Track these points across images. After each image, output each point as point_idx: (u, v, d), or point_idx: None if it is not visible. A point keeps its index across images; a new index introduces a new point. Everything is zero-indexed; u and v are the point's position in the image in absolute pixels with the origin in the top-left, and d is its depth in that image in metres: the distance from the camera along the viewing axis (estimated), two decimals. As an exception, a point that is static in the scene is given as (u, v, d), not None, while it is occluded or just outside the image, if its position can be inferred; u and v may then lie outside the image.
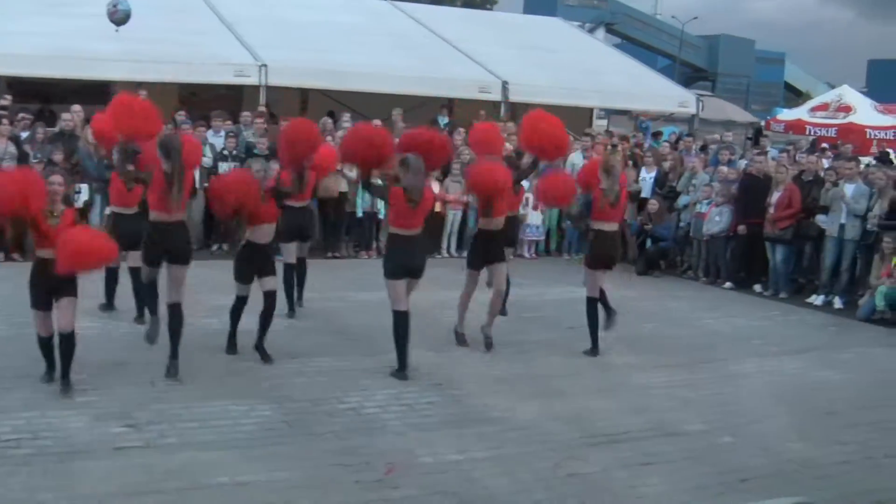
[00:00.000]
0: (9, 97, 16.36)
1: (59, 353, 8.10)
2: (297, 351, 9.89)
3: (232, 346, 9.73)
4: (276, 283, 9.63)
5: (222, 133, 16.09)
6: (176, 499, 6.19)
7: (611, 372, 9.84)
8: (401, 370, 9.18)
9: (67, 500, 6.07)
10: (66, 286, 7.94)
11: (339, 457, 7.03)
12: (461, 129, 17.53)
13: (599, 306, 10.49)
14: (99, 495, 6.15)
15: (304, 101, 21.59)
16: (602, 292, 10.49)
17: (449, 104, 21.07)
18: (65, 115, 15.27)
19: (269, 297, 9.48)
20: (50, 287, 7.92)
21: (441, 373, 9.42)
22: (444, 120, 20.27)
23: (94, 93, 18.70)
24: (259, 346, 9.53)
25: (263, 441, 7.31)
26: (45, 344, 8.22)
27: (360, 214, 16.05)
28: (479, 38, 22.99)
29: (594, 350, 10.43)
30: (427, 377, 9.24)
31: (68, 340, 8.03)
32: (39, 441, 6.98)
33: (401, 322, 9.18)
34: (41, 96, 19.46)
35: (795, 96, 61.93)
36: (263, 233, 9.40)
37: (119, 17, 15.85)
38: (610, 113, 26.44)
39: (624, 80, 22.76)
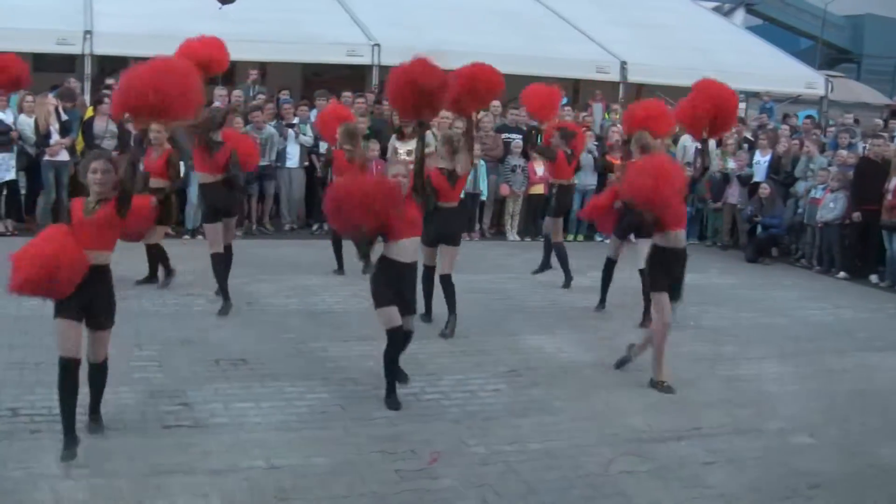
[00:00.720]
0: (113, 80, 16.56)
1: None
2: (371, 333, 9.68)
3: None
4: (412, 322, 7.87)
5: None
6: (204, 481, 6.04)
7: (696, 362, 9.33)
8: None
9: (92, 476, 5.99)
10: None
11: (384, 443, 6.80)
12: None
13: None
14: (127, 473, 6.05)
15: None
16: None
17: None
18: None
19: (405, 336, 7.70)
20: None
21: (514, 359, 9.11)
22: (563, 100, 19.75)
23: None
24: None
25: (311, 424, 7.13)
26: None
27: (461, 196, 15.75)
28: (595, 16, 22.46)
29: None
30: (500, 363, 8.94)
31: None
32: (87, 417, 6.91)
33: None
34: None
35: (947, 78, 59.08)
36: (405, 249, 7.54)
37: None
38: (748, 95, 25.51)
39: (748, 60, 21.89)
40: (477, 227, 16.10)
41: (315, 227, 15.72)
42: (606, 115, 18.71)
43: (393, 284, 7.44)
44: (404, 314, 7.52)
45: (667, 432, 7.40)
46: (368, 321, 10.04)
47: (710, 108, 8.82)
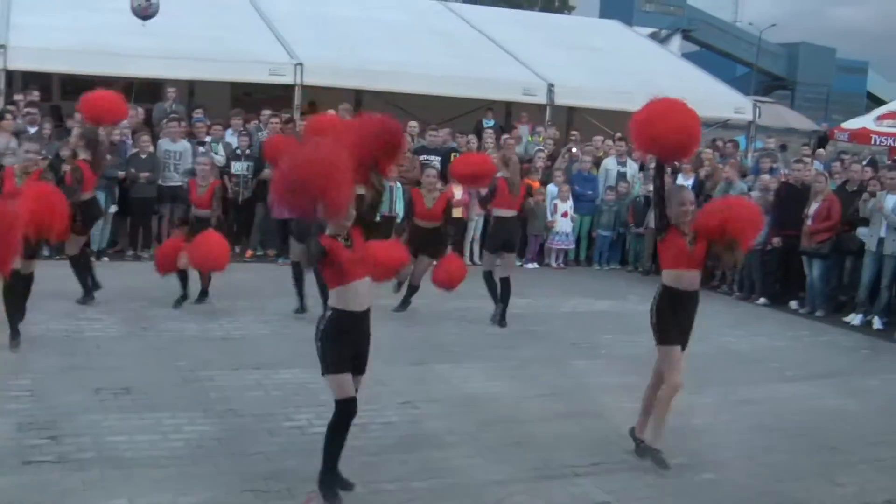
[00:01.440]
0: (36, 93, 16.03)
1: None
2: (265, 361, 9.31)
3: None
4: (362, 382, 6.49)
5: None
6: (54, 524, 5.62)
7: (600, 394, 9.02)
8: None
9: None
10: None
11: (259, 482, 6.39)
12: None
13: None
14: (-30, 516, 5.61)
15: (359, 101, 21.08)
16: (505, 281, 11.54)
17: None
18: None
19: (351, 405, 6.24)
20: None
21: (414, 389, 8.75)
22: (489, 122, 19.58)
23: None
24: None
25: (185, 459, 6.71)
26: None
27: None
28: (526, 39, 22.22)
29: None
30: (395, 395, 8.56)
31: None
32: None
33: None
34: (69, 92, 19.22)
35: (878, 106, 59.94)
36: (358, 295, 6.20)
37: (152, 12, 15.42)
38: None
39: (678, 84, 21.71)
40: (394, 249, 15.71)
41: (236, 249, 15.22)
42: (530, 138, 18.47)
43: (349, 344, 6.18)
44: (356, 375, 6.30)
45: (565, 468, 7.07)
46: (272, 346, 9.73)
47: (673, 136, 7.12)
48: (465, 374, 9.42)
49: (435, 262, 11.46)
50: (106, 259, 13.92)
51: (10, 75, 17.36)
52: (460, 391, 8.84)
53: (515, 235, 12.03)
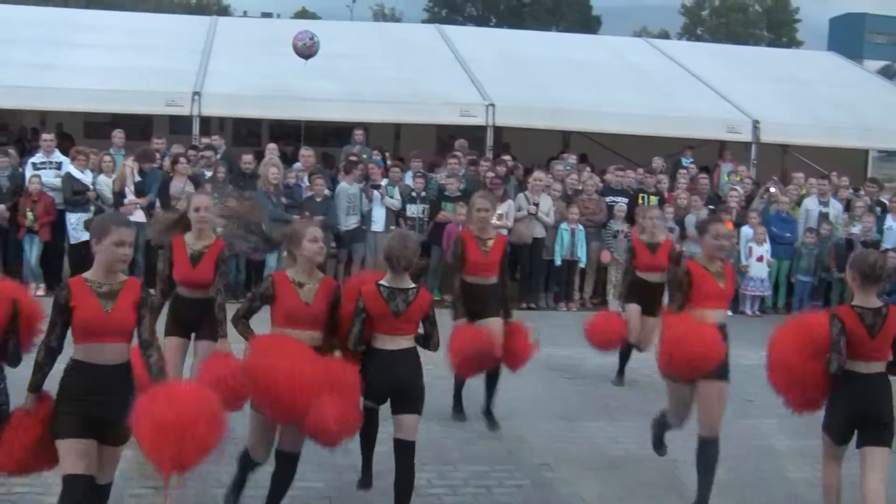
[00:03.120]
0: (216, 137, 16.35)
1: None
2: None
3: None
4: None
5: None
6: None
7: (764, 459, 8.12)
8: None
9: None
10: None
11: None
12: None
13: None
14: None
15: (567, 143, 20.72)
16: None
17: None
18: (245, 157, 15.05)
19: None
20: None
21: (553, 448, 8.09)
22: (687, 161, 18.71)
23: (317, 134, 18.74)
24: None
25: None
26: None
27: (558, 262, 14.81)
28: (730, 73, 21.20)
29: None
30: (533, 455, 7.92)
31: None
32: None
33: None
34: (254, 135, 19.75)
35: None
36: None
37: (314, 51, 15.51)
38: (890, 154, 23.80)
39: (892, 117, 20.22)
40: (577, 296, 15.09)
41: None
42: (727, 177, 17.44)
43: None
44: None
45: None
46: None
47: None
48: (617, 433, 8.69)
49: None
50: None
51: (208, 121, 17.92)
52: (605, 453, 8.13)
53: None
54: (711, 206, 15.35)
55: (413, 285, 6.24)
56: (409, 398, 6.25)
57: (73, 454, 5.01)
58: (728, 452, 7.76)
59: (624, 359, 10.57)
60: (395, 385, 6.22)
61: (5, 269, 13.08)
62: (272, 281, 6.08)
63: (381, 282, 6.20)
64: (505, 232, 13.92)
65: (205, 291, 7.32)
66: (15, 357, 5.38)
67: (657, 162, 16.47)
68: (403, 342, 6.21)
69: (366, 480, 6.83)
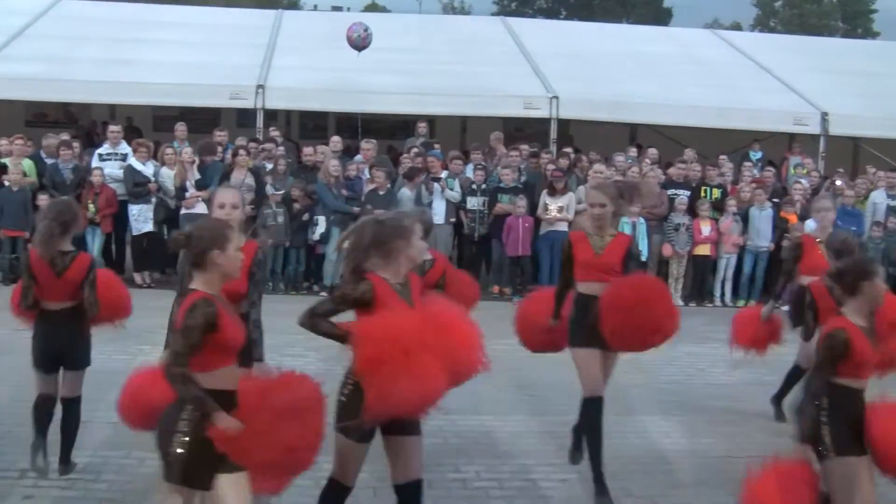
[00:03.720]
0: (272, 129, 16.48)
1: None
2: (459, 405, 8.72)
3: None
4: None
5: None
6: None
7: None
8: None
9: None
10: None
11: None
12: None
13: None
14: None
15: (633, 137, 20.62)
16: None
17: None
18: (307, 150, 15.19)
19: None
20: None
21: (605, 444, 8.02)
22: (756, 155, 18.47)
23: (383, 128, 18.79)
24: None
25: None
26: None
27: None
28: (799, 65, 20.86)
29: None
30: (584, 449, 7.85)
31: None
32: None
33: None
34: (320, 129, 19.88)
35: None
36: None
37: (368, 43, 15.57)
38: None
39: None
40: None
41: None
42: (793, 170, 17.15)
43: None
44: None
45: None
46: (464, 392, 9.26)
47: None
48: (670, 427, 8.59)
49: None
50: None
51: (273, 114, 18.12)
52: (656, 447, 8.03)
53: None
54: (776, 200, 15.11)
55: None
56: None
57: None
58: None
59: (790, 383, 8.95)
60: None
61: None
62: (371, 285, 5.19)
63: None
64: (566, 225, 13.88)
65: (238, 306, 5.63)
66: None
67: (726, 165, 16.14)
68: None
69: None
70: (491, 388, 9.26)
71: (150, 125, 19.62)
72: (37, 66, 17.22)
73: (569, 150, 16.60)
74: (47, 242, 6.45)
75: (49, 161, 14.37)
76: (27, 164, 14.15)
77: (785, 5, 60.80)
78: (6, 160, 14.05)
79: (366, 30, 15.56)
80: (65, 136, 15.11)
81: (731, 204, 14.68)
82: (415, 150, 15.73)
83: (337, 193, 13.94)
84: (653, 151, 16.82)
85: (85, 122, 19.66)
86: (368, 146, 15.28)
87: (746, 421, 8.90)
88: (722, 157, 16.60)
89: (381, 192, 14.21)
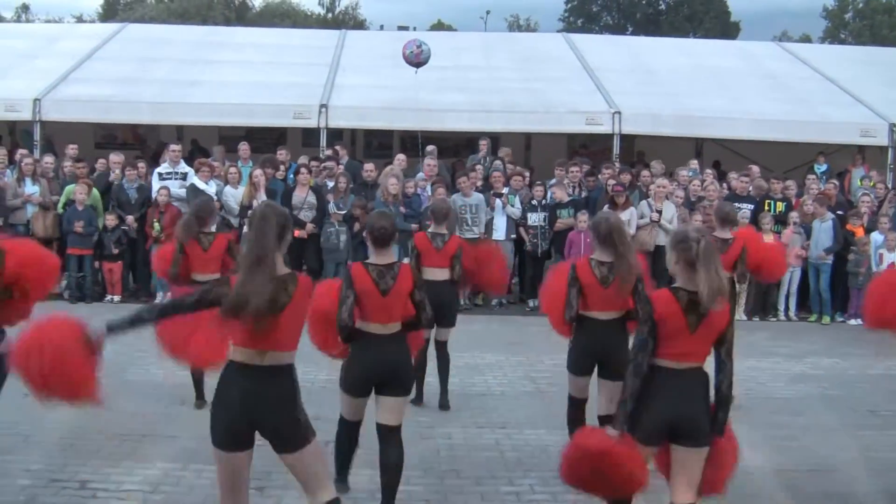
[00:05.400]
0: (338, 147, 16.59)
1: None
2: (515, 419, 8.84)
3: None
4: None
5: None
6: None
7: (882, 473, 7.79)
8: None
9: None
10: None
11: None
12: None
13: None
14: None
15: (699, 151, 20.50)
16: None
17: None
18: (367, 166, 15.30)
19: None
20: None
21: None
22: (821, 168, 18.24)
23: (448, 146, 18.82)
24: None
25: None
26: None
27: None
28: (866, 76, 20.56)
29: None
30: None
31: None
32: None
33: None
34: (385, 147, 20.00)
35: None
36: None
37: (424, 59, 15.64)
38: None
39: None
40: (702, 304, 14.80)
41: (531, 303, 14.81)
42: (860, 182, 16.86)
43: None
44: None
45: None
46: (520, 407, 9.24)
47: None
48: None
49: None
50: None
51: (339, 133, 18.30)
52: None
53: None
54: (840, 212, 14.86)
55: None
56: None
57: None
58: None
59: None
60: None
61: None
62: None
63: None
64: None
65: None
66: None
67: (792, 188, 15.85)
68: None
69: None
70: (546, 404, 9.27)
71: (217, 144, 19.93)
72: (105, 89, 17.62)
73: (628, 165, 16.46)
74: (187, 228, 8.52)
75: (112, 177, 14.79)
76: (95, 195, 14.47)
77: (855, 17, 59.90)
78: (72, 186, 14.32)
79: (419, 46, 15.67)
80: (117, 156, 15.52)
81: (795, 216, 14.48)
82: (479, 166, 15.72)
83: (395, 211, 13.99)
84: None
85: (153, 143, 20.00)
86: (431, 163, 15.31)
87: (806, 434, 8.75)
88: (788, 181, 16.22)
89: (438, 209, 14.21)
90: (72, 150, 15.83)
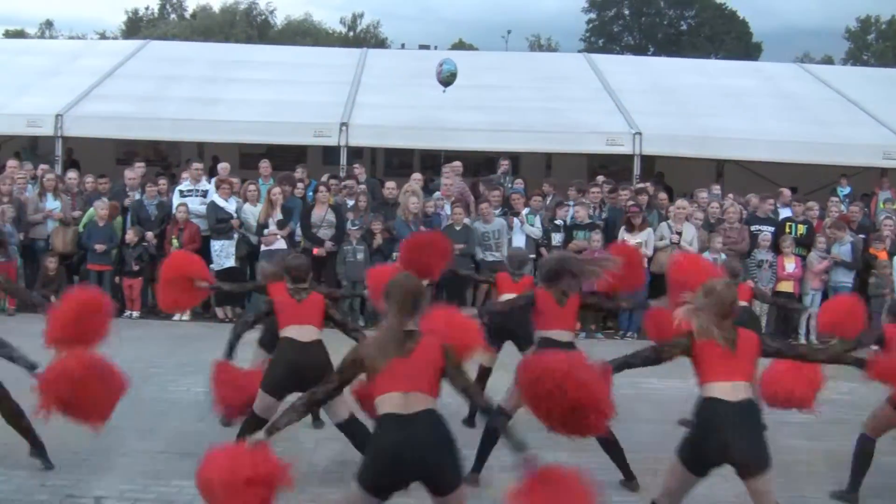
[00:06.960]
0: (361, 168, 16.59)
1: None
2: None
3: None
4: None
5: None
6: None
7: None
8: None
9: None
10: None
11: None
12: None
13: None
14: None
15: (720, 173, 20.43)
16: None
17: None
18: (388, 184, 15.31)
19: None
20: None
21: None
22: (843, 190, 18.12)
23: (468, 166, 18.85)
24: None
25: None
26: None
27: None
28: (888, 97, 20.43)
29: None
30: (645, 490, 7.71)
31: None
32: None
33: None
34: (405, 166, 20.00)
35: None
36: None
37: (444, 77, 15.72)
38: None
39: None
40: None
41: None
42: (882, 205, 16.75)
43: None
44: None
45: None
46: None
47: None
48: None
49: None
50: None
51: (359, 152, 18.34)
52: (713, 493, 7.79)
53: None
54: (863, 235, 14.77)
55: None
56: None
57: None
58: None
59: None
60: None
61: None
62: None
63: None
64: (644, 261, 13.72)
65: None
66: None
67: (814, 209, 15.75)
68: None
69: None
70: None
71: (238, 162, 19.97)
72: (127, 105, 17.72)
73: (643, 185, 16.35)
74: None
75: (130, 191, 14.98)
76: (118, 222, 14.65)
77: (878, 38, 59.78)
78: (92, 210, 14.39)
79: (440, 64, 15.83)
80: (140, 165, 15.77)
81: (821, 241, 14.40)
82: (494, 186, 15.72)
83: (415, 230, 14.00)
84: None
85: (174, 160, 20.08)
86: (448, 181, 15.30)
87: (815, 462, 8.67)
88: (810, 202, 16.09)
89: (458, 228, 14.21)
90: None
